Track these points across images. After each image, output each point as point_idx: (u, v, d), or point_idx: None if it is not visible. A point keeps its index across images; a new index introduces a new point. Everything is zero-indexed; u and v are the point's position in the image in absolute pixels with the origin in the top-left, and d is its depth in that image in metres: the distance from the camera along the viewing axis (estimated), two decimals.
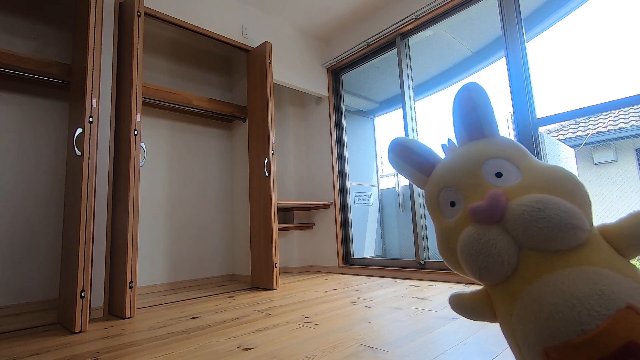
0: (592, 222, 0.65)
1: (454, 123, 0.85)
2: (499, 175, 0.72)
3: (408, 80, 2.88)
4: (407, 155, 0.87)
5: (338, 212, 3.30)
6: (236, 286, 2.74)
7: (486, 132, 0.80)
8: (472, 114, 0.81)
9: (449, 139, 0.87)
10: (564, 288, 0.56)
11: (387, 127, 4.17)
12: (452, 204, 0.76)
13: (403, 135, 2.82)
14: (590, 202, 0.66)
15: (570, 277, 0.57)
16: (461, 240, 0.69)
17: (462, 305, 0.79)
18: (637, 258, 0.63)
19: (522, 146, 0.77)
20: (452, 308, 0.81)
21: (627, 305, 0.52)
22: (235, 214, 3.26)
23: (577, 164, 3.13)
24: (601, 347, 0.50)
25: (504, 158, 0.74)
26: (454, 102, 0.84)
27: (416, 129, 2.82)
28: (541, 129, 2.13)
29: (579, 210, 0.62)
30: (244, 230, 3.11)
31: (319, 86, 3.42)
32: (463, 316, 0.79)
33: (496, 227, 0.64)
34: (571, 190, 0.65)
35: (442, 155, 0.87)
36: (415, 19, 2.74)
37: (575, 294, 0.54)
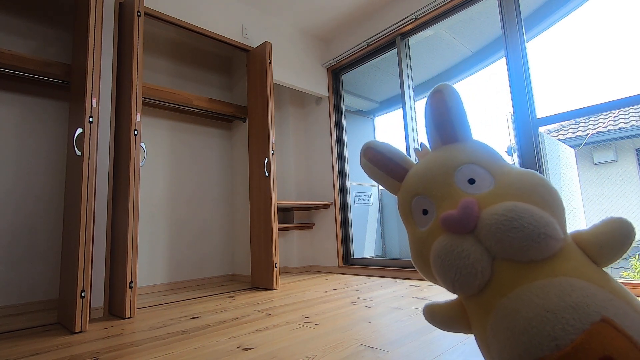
0: (565, 230, 0.63)
1: (426, 126, 0.82)
2: (471, 181, 0.69)
3: (408, 80, 2.88)
4: (379, 160, 0.83)
5: (338, 212, 3.30)
6: (236, 286, 2.74)
7: (459, 135, 0.78)
8: (445, 116, 0.78)
9: (421, 143, 0.85)
10: (537, 301, 0.54)
11: (387, 127, 4.17)
12: (425, 212, 0.73)
13: (403, 135, 2.82)
14: (563, 208, 0.65)
15: (544, 290, 0.55)
16: (433, 250, 0.67)
17: (435, 317, 0.77)
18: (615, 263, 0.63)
19: (495, 150, 0.76)
20: (426, 319, 0.79)
21: (601, 318, 0.51)
22: (235, 214, 3.26)
23: (577, 164, 3.13)
24: None
25: (477, 164, 0.72)
26: (426, 104, 0.82)
27: (416, 129, 2.82)
28: (541, 129, 2.13)
29: (552, 218, 0.60)
30: (244, 230, 3.11)
31: (319, 86, 3.42)
32: (437, 327, 0.77)
33: (469, 237, 0.62)
34: (544, 197, 0.63)
35: (414, 159, 0.84)
36: (415, 19, 2.74)
37: (549, 308, 0.53)
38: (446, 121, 0.78)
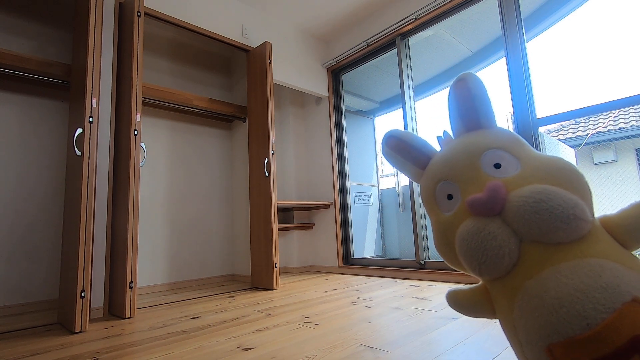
0: (593, 213, 0.63)
1: (449, 114, 0.82)
2: (497, 166, 0.69)
3: (408, 80, 2.88)
4: (402, 148, 0.84)
5: (338, 212, 3.30)
6: (236, 286, 2.74)
7: (483, 122, 0.78)
8: (469, 104, 0.78)
9: (444, 131, 0.85)
10: (567, 282, 0.54)
11: (387, 127, 4.17)
12: (450, 197, 0.73)
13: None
14: (591, 192, 0.64)
15: (574, 270, 0.55)
16: (460, 234, 0.66)
17: (459, 302, 0.77)
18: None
19: (520, 137, 0.76)
20: (450, 305, 0.79)
21: (632, 298, 0.51)
22: (235, 214, 3.26)
23: (577, 164, 3.13)
24: (607, 342, 0.49)
25: (502, 149, 0.72)
26: (449, 92, 0.81)
27: (416, 129, 2.82)
28: (541, 129, 2.13)
29: (581, 200, 0.60)
30: (244, 230, 3.11)
31: (319, 86, 3.42)
32: (461, 313, 0.78)
33: (496, 220, 0.62)
34: (572, 181, 0.63)
35: (437, 147, 0.84)
36: (415, 19, 2.74)
37: (579, 288, 0.53)
38: (470, 109, 0.78)
